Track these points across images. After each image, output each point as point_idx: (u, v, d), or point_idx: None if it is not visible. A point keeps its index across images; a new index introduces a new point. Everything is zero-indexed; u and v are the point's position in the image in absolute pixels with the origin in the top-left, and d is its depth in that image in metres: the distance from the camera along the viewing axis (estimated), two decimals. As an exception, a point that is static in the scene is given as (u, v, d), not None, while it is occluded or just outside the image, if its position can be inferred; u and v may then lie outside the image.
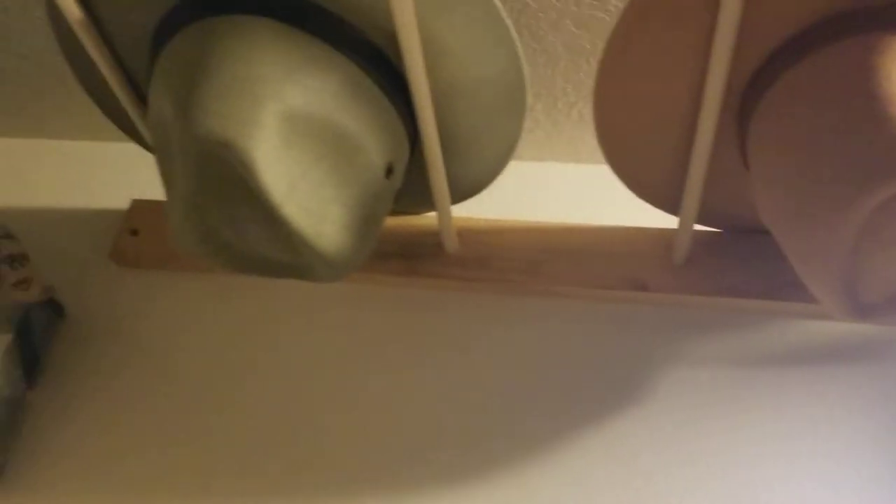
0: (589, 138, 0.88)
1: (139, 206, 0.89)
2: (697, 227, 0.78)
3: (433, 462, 0.75)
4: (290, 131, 0.58)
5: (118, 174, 0.96)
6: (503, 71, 0.64)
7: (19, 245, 0.77)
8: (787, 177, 0.58)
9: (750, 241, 0.80)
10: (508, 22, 0.61)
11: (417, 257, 0.82)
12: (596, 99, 0.66)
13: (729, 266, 0.79)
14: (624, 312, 0.81)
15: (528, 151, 0.90)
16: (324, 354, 0.81)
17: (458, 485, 0.74)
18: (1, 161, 1.00)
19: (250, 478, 0.75)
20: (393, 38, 0.60)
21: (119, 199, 0.93)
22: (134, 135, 0.80)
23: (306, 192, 0.59)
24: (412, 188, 0.77)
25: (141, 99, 0.72)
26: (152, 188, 0.93)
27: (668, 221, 0.82)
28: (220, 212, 0.62)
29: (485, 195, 0.89)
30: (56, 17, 0.67)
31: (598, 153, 0.90)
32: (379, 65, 0.63)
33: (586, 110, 0.84)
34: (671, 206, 0.77)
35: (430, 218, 0.84)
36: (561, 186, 0.90)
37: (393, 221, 0.84)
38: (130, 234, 0.87)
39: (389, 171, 0.65)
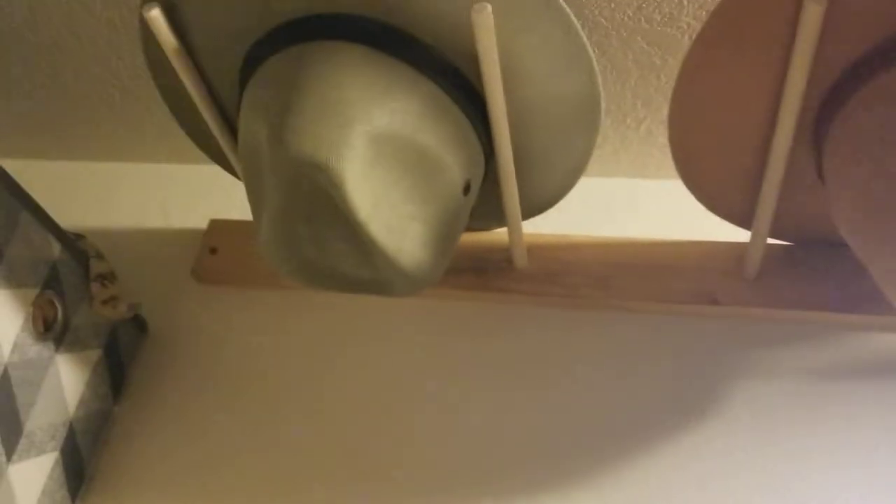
0: (656, 153, 0.88)
1: (217, 226, 0.92)
2: (769, 240, 0.78)
3: (503, 476, 0.75)
4: (376, 151, 0.60)
5: (197, 195, 0.99)
6: (579, 89, 0.66)
7: (108, 264, 0.80)
8: (862, 193, 0.58)
9: (821, 253, 0.79)
10: (585, 40, 0.62)
11: (488, 272, 0.84)
12: (671, 116, 0.67)
13: (801, 279, 0.79)
14: (695, 327, 0.81)
15: (596, 167, 0.91)
16: (398, 368, 0.83)
17: (529, 499, 0.74)
18: (88, 184, 1.04)
19: (330, 488, 0.77)
20: (471, 58, 0.62)
21: (198, 219, 0.96)
22: (216, 157, 0.82)
23: (389, 209, 0.61)
24: (483, 205, 0.78)
25: (227, 123, 0.75)
26: (229, 208, 0.96)
27: (737, 235, 0.82)
28: (305, 229, 0.64)
29: (553, 211, 0.89)
30: (150, 44, 0.70)
31: (666, 168, 0.90)
32: (458, 84, 0.64)
33: (655, 126, 0.85)
34: (743, 220, 0.77)
35: (500, 234, 0.85)
36: (628, 202, 0.90)
37: (464, 237, 0.85)
38: (210, 253, 0.90)
39: (467, 189, 0.67)
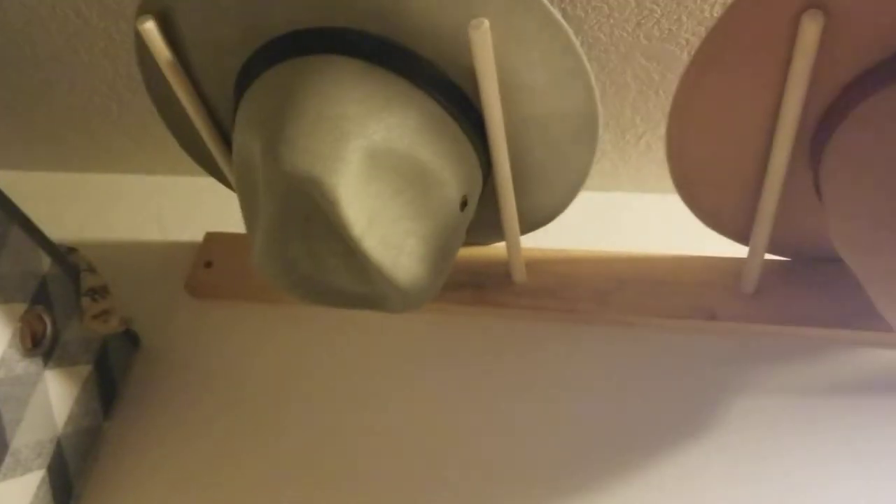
0: (656, 168, 0.88)
1: (213, 239, 0.91)
2: (767, 256, 0.78)
3: (499, 490, 0.75)
4: (372, 166, 0.59)
5: (192, 207, 0.99)
6: (577, 105, 0.65)
7: (101, 278, 0.79)
8: (865, 205, 0.58)
9: (819, 269, 0.79)
10: (583, 56, 0.61)
11: (487, 287, 0.83)
12: (668, 132, 0.67)
13: (799, 295, 0.78)
14: (693, 342, 0.80)
15: (595, 182, 0.91)
16: (396, 383, 0.82)
17: (530, 515, 0.74)
18: (84, 196, 1.03)
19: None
20: (469, 72, 0.62)
21: (194, 232, 0.95)
22: (211, 169, 0.82)
23: (385, 225, 0.61)
24: (482, 219, 0.78)
25: (222, 135, 0.74)
26: (225, 221, 0.95)
27: (735, 250, 0.82)
28: (300, 244, 0.63)
29: (552, 226, 0.89)
30: (144, 56, 0.69)
31: (665, 183, 0.90)
32: (456, 100, 0.64)
33: (654, 141, 0.84)
34: (741, 236, 0.77)
35: (498, 248, 0.84)
36: (628, 216, 0.90)
37: (462, 252, 0.85)
38: (205, 266, 0.89)
39: (464, 204, 0.66)
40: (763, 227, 0.71)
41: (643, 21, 0.71)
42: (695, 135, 0.67)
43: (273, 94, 0.60)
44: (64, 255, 0.75)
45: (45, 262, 0.72)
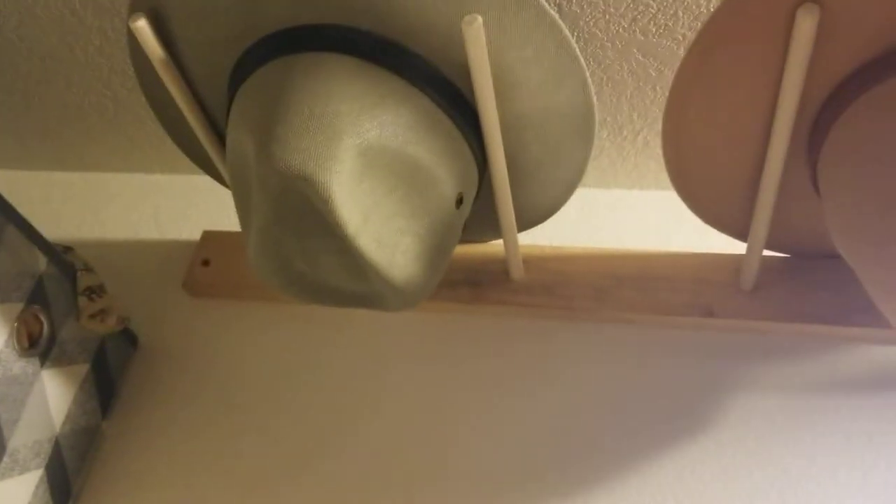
0: (654, 165, 0.88)
1: (210, 237, 0.91)
2: (765, 252, 0.77)
3: (496, 487, 0.75)
4: (365, 164, 0.59)
5: (189, 206, 0.98)
6: (572, 101, 0.65)
7: (97, 277, 0.79)
8: (861, 199, 0.58)
9: (818, 265, 0.79)
10: (578, 53, 0.61)
11: (484, 285, 0.83)
12: (665, 128, 0.67)
13: (797, 291, 0.78)
14: (692, 339, 0.80)
15: (592, 178, 0.91)
16: (394, 381, 0.82)
17: (528, 513, 0.74)
18: (80, 194, 1.03)
19: (324, 501, 0.76)
20: (463, 69, 0.61)
21: (191, 230, 0.95)
22: (207, 167, 0.81)
23: (379, 223, 0.60)
24: (479, 217, 0.78)
25: (216, 133, 0.74)
26: (223, 219, 0.95)
27: (735, 247, 0.81)
28: (294, 243, 0.63)
29: (550, 222, 0.89)
30: (137, 54, 0.69)
31: (663, 179, 0.90)
32: (450, 96, 0.64)
33: (651, 137, 0.84)
34: (739, 232, 0.76)
35: (496, 246, 0.84)
36: (626, 213, 0.90)
37: (459, 249, 0.85)
38: (202, 265, 0.89)
39: (460, 202, 0.66)
40: (761, 223, 0.71)
41: (639, 17, 0.71)
42: (691, 131, 0.66)
43: (266, 91, 0.60)
44: (60, 255, 0.75)
45: (42, 262, 0.72)
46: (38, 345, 0.71)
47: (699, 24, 0.71)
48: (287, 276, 0.66)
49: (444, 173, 0.63)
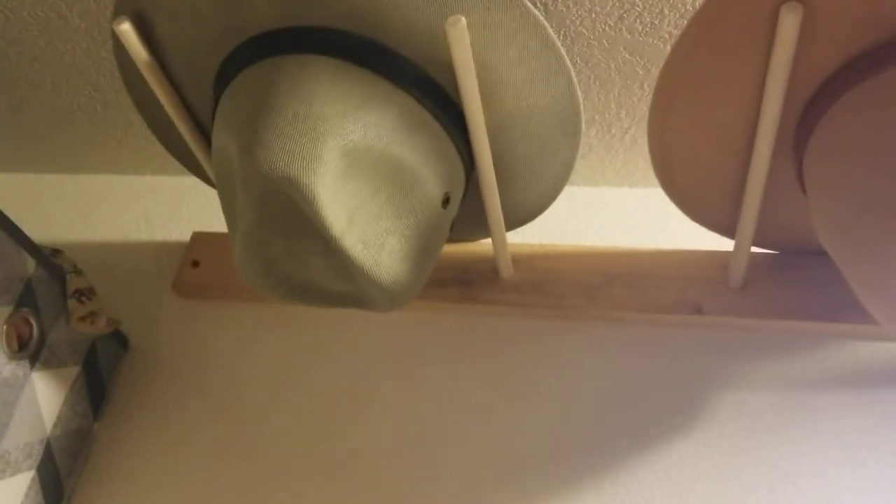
0: (642, 162, 0.88)
1: (200, 238, 0.91)
2: (753, 249, 0.77)
3: (486, 487, 0.75)
4: (350, 165, 0.59)
5: (179, 207, 0.98)
6: (558, 100, 0.65)
7: (86, 280, 0.79)
8: (848, 203, 0.58)
9: (807, 262, 0.79)
10: (562, 52, 0.61)
11: (473, 284, 0.83)
12: (650, 125, 0.67)
13: (786, 288, 0.78)
14: (681, 336, 0.80)
15: (581, 176, 0.91)
16: (385, 382, 0.82)
17: (518, 512, 0.74)
18: (70, 197, 1.03)
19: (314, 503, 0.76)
20: (448, 70, 0.61)
21: (180, 232, 0.95)
22: (195, 169, 0.82)
23: (364, 223, 0.60)
24: (467, 216, 0.78)
25: (203, 135, 0.74)
26: (213, 220, 0.95)
27: (724, 244, 0.82)
28: (280, 244, 0.63)
29: (539, 221, 0.89)
30: (123, 57, 0.69)
31: (652, 177, 0.90)
32: (435, 97, 0.64)
33: (640, 135, 0.84)
34: (727, 230, 0.76)
35: (485, 244, 0.84)
36: (615, 211, 0.90)
37: (448, 248, 0.85)
38: (192, 266, 0.89)
39: (446, 201, 0.66)
40: (748, 219, 0.71)
41: (625, 15, 0.71)
42: (677, 128, 0.66)
43: (250, 94, 0.60)
44: (49, 257, 0.75)
45: (30, 265, 0.72)
46: (27, 347, 0.72)
47: (685, 21, 0.71)
48: (274, 277, 0.66)
49: (430, 173, 0.63)
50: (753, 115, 0.64)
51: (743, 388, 0.77)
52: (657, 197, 0.90)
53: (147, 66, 0.66)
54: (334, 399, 0.82)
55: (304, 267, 0.64)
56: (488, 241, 0.84)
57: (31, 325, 0.72)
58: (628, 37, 0.73)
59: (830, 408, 0.74)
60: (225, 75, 0.65)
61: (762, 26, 0.58)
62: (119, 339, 0.86)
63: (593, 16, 0.72)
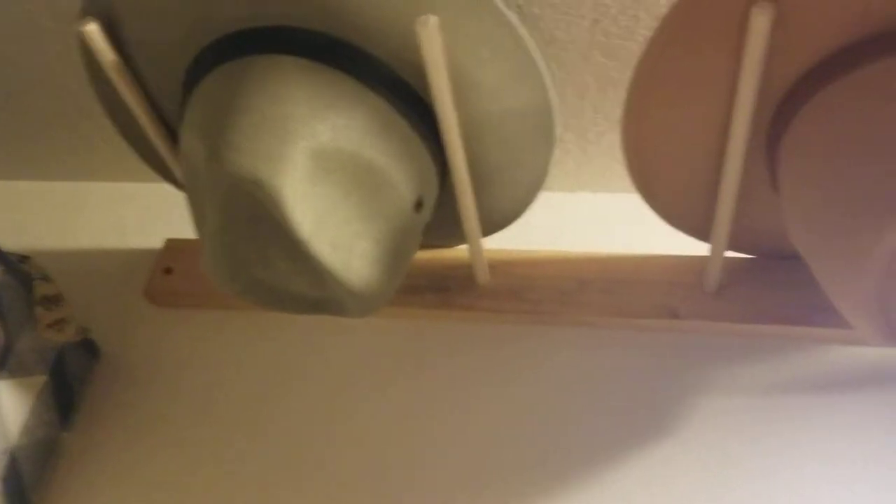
0: (619, 167, 0.87)
1: (173, 245, 0.90)
2: (729, 253, 0.77)
3: (466, 492, 0.74)
4: (319, 167, 0.58)
5: (152, 214, 0.97)
6: (532, 103, 0.64)
7: (55, 286, 0.78)
8: (816, 201, 0.58)
9: (783, 266, 0.79)
10: (536, 54, 0.61)
11: (450, 290, 0.82)
12: (624, 128, 0.66)
13: (762, 292, 0.78)
14: (657, 341, 0.80)
15: (558, 182, 0.90)
16: (359, 389, 0.81)
17: (494, 520, 0.73)
18: (43, 204, 1.02)
19: (285, 515, 0.75)
20: (420, 71, 0.61)
21: (153, 239, 0.94)
22: (166, 175, 0.81)
23: (334, 227, 0.60)
24: (443, 221, 0.77)
25: (173, 139, 0.73)
26: (186, 227, 0.94)
27: (700, 248, 0.81)
28: (249, 248, 0.62)
29: (515, 226, 0.88)
30: (90, 59, 0.68)
31: (629, 182, 0.89)
32: (407, 99, 0.63)
33: (616, 139, 0.84)
34: (702, 233, 0.76)
35: (461, 250, 0.84)
36: (592, 216, 0.89)
37: (424, 254, 0.84)
38: (164, 273, 0.88)
39: (419, 205, 0.66)
40: (722, 223, 0.71)
41: (600, 18, 0.71)
42: (650, 132, 0.66)
43: (217, 94, 0.59)
44: (16, 263, 0.74)
45: (-4, 271, 0.71)
46: (-8, 355, 0.70)
47: (659, 24, 0.71)
48: (244, 282, 0.65)
49: (402, 176, 0.63)
50: (726, 118, 0.64)
51: (719, 391, 0.76)
52: (634, 202, 0.89)
53: (114, 68, 0.65)
54: (311, 406, 0.81)
55: (275, 271, 0.63)
56: (464, 247, 0.83)
57: (-4, 333, 0.71)
58: (603, 40, 0.73)
59: (806, 411, 0.74)
60: (193, 76, 0.64)
61: (733, 27, 0.57)
62: (89, 348, 0.84)
63: (568, 19, 0.71)
